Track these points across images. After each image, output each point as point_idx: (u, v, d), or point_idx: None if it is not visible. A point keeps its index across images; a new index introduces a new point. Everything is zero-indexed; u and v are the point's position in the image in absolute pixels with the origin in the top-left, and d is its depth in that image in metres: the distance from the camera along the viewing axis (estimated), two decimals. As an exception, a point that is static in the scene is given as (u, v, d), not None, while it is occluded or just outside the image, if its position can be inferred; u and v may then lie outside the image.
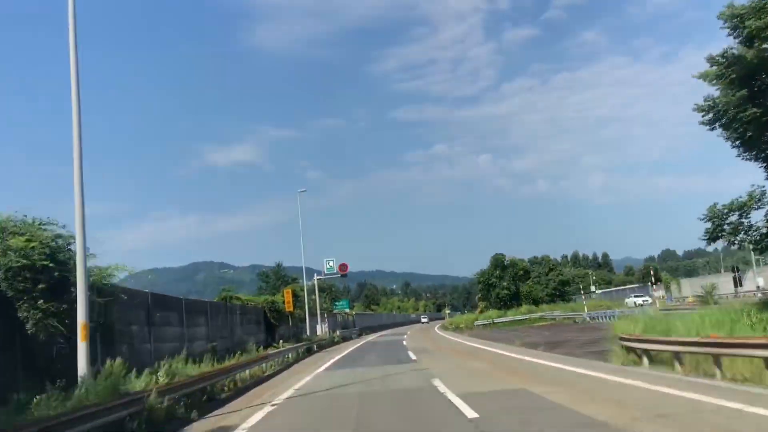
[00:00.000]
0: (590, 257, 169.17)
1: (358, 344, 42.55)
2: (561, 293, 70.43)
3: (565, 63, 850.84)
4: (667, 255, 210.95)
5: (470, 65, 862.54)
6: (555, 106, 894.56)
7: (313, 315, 47.96)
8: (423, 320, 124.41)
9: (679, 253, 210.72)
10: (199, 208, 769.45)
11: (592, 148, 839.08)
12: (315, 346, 35.09)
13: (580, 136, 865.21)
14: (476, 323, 58.92)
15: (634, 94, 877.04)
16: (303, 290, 42.96)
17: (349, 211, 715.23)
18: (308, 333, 41.86)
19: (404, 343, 38.25)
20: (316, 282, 47.89)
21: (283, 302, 34.88)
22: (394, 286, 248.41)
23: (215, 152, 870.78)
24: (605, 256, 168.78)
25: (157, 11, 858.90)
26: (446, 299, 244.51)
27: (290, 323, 38.36)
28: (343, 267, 48.18)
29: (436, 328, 68.50)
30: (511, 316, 57.70)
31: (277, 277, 49.60)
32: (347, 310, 68.10)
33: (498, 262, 70.21)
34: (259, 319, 32.53)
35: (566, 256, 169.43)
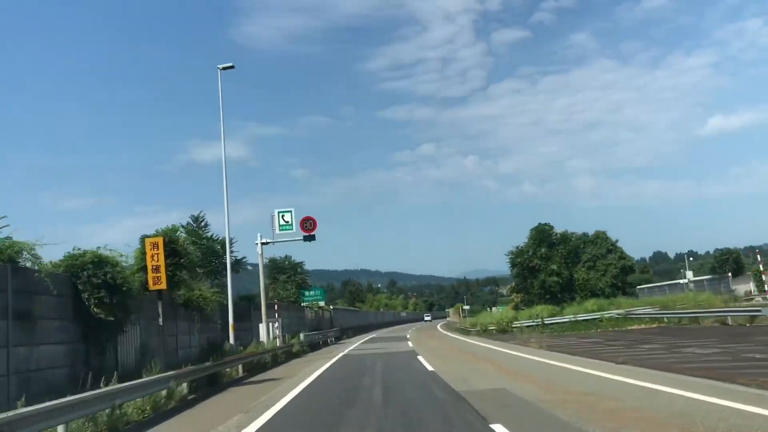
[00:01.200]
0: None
1: (329, 362, 21.98)
2: (623, 284, 50.41)
3: (553, 66, 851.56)
4: (659, 257, 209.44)
5: (459, 66, 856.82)
6: (543, 109, 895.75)
7: (258, 307, 27.67)
8: (426, 318, 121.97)
9: (671, 255, 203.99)
10: (184, 203, 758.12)
11: (580, 152, 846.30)
12: (231, 371, 14.91)
13: (567, 139, 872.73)
14: (515, 324, 38.63)
15: (622, 99, 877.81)
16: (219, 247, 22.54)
17: (334, 210, 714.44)
18: (232, 341, 21.13)
19: (424, 364, 17.69)
20: (260, 245, 27.05)
21: (141, 268, 14.35)
22: (379, 285, 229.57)
23: (200, 148, 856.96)
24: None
25: (142, 4, 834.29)
26: (433, 299, 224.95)
27: (180, 320, 17.79)
28: (308, 223, 27.50)
29: (452, 334, 48.76)
30: (570, 314, 37.41)
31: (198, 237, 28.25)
32: (322, 304, 47.37)
33: (543, 236, 49.97)
34: (64, 312, 11.97)
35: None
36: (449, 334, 48.26)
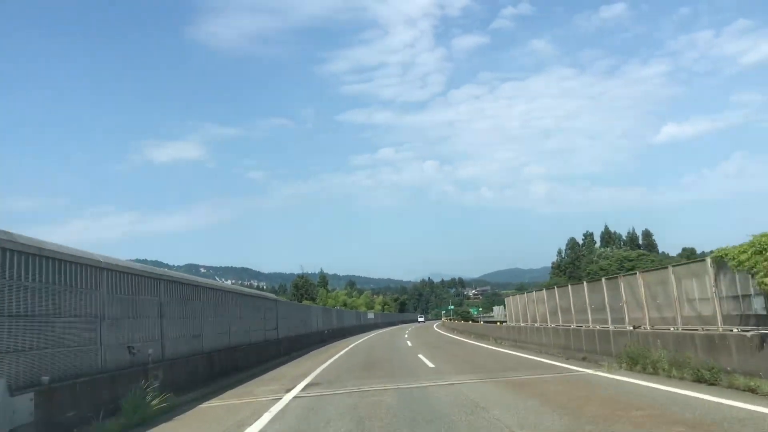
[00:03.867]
0: (625, 235, 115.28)
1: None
2: None
3: (512, 72, 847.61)
4: None
5: (419, 70, 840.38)
6: (501, 115, 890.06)
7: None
8: (420, 320, 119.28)
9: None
10: (137, 205, 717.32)
11: (537, 158, 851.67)
12: None
13: (525, 145, 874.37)
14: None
15: (578, 106, 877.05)
16: None
17: (292, 213, 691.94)
18: None
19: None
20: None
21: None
22: (337, 288, 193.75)
23: (156, 148, 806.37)
24: (648, 234, 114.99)
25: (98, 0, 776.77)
26: (405, 296, 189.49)
27: None
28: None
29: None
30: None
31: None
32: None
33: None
34: None
35: (591, 234, 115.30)
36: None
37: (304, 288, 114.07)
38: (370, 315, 77.42)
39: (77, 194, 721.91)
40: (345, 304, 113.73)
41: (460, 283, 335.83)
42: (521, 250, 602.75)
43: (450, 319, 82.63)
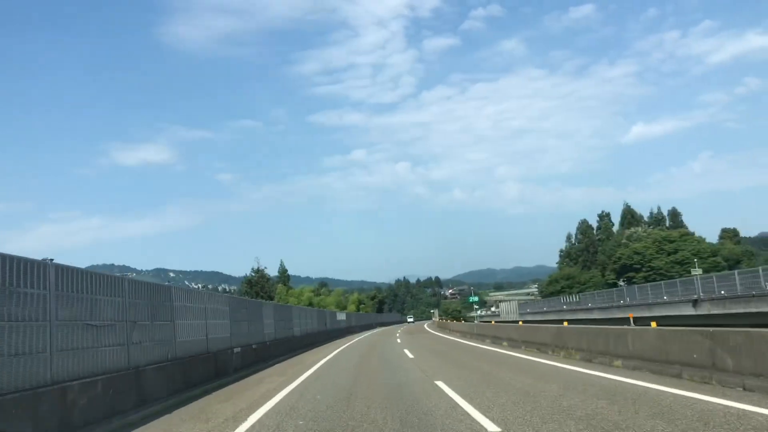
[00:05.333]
0: (652, 214, 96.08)
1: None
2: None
3: (483, 73, 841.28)
4: None
5: (391, 72, 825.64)
6: (472, 116, 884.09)
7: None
8: (409, 320, 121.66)
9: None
10: (104, 209, 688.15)
11: (508, 159, 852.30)
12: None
13: (496, 146, 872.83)
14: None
15: (548, 106, 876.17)
16: None
17: (264, 216, 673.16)
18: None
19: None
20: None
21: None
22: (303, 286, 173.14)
23: (123, 151, 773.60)
24: (675, 213, 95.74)
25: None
26: (383, 295, 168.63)
27: None
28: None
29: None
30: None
31: None
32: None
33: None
34: None
35: (608, 214, 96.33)
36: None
37: (260, 285, 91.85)
38: (341, 316, 56.21)
39: (41, 198, 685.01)
40: (311, 304, 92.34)
41: (437, 283, 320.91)
42: (494, 250, 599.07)
43: (444, 320, 71.23)
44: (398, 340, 33.41)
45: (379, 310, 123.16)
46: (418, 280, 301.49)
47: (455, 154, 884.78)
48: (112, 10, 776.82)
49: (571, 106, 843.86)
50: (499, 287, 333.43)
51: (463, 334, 35.15)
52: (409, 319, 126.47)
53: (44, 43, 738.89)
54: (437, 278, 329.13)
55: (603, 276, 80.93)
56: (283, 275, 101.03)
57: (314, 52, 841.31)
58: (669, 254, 71.76)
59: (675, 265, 70.97)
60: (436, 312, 76.25)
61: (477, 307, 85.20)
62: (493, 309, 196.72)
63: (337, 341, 40.37)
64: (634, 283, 70.03)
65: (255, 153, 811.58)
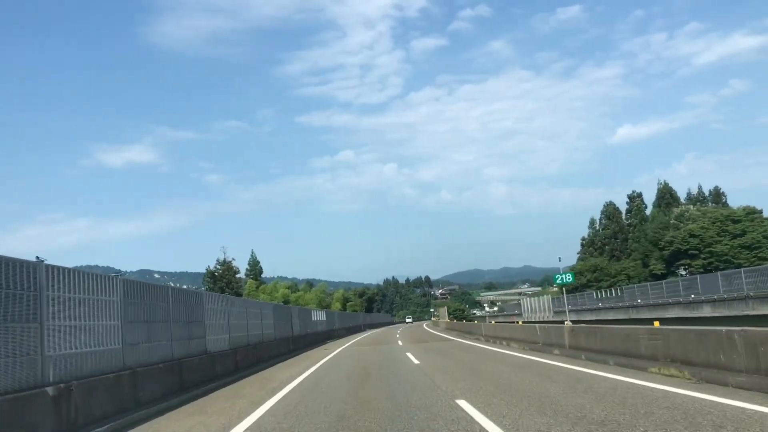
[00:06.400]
0: (690, 194, 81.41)
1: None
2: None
3: (471, 75, 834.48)
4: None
5: (378, 72, 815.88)
6: (460, 117, 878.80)
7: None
8: (408, 320, 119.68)
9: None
10: (89, 210, 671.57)
11: (496, 160, 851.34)
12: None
13: (484, 147, 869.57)
14: None
15: (536, 108, 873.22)
16: None
17: (251, 216, 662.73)
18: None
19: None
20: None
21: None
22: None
23: (108, 152, 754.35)
24: (718, 192, 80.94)
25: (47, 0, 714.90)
26: (372, 292, 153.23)
27: None
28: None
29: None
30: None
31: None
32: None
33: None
34: None
35: (639, 194, 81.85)
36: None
37: (225, 279, 76.03)
38: (318, 315, 40.49)
39: (27, 200, 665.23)
40: (286, 301, 76.65)
41: (427, 283, 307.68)
42: (481, 251, 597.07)
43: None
44: (412, 359, 18.16)
45: (369, 310, 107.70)
46: (408, 280, 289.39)
47: (443, 155, 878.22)
48: (98, 10, 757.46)
49: (559, 108, 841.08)
50: (489, 287, 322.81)
51: (521, 344, 20.07)
52: (407, 320, 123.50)
53: (29, 43, 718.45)
54: (427, 278, 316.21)
55: (646, 266, 66.14)
56: (255, 268, 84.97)
57: (302, 53, 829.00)
58: (734, 237, 57.01)
59: (743, 250, 56.28)
60: (444, 311, 61.43)
61: (490, 306, 70.24)
62: (487, 309, 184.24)
63: (309, 353, 25.09)
64: (691, 272, 55.40)
65: (242, 154, 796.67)
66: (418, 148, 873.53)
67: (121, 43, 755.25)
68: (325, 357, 22.03)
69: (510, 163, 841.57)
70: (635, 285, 51.71)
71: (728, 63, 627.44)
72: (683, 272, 50.72)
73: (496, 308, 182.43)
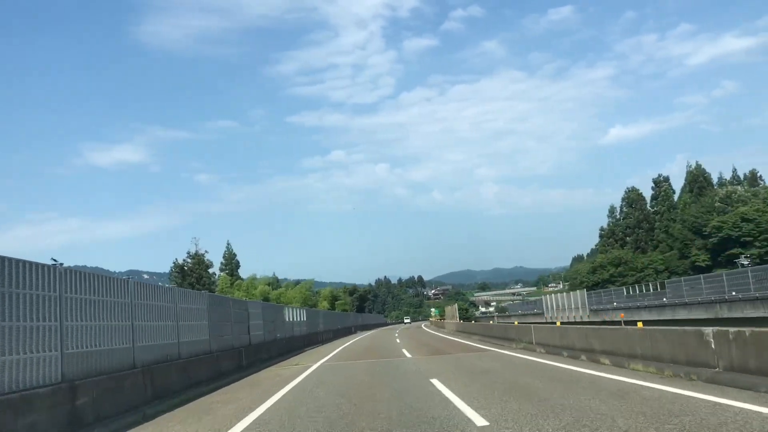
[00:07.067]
0: (721, 178, 72.46)
1: None
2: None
3: (463, 75, 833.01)
4: (596, 253, 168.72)
5: (370, 72, 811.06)
6: (452, 117, 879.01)
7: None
8: (406, 321, 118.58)
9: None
10: (78, 210, 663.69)
11: (487, 160, 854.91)
12: None
13: (475, 147, 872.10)
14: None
15: (528, 108, 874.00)
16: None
17: (243, 217, 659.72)
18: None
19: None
20: None
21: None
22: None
23: (99, 152, 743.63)
24: (755, 175, 71.91)
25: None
26: (363, 290, 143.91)
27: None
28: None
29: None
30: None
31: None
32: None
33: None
34: None
35: (666, 179, 73.30)
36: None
37: (196, 273, 66.05)
38: (295, 314, 30.70)
39: (15, 199, 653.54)
40: (266, 298, 66.81)
41: (420, 283, 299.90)
42: (473, 252, 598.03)
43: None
44: (457, 402, 8.45)
45: (360, 309, 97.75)
46: (400, 280, 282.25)
47: (435, 156, 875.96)
48: (88, 9, 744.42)
49: (551, 109, 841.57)
50: (483, 287, 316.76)
51: (638, 362, 10.60)
52: (405, 320, 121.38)
53: (17, 42, 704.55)
54: (420, 278, 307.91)
55: (685, 257, 56.91)
56: (230, 262, 74.77)
57: (294, 53, 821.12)
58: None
59: (806, 236, 47.16)
60: (454, 310, 51.96)
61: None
62: (482, 309, 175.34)
63: (266, 373, 15.53)
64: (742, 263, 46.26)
65: (234, 154, 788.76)
66: (409, 148, 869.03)
67: (112, 42, 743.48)
68: (285, 386, 12.42)
69: (502, 164, 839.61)
70: (683, 278, 42.47)
71: (719, 64, 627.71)
72: (745, 262, 41.50)
73: (492, 308, 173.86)
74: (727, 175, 73.27)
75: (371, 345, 29.72)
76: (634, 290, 46.64)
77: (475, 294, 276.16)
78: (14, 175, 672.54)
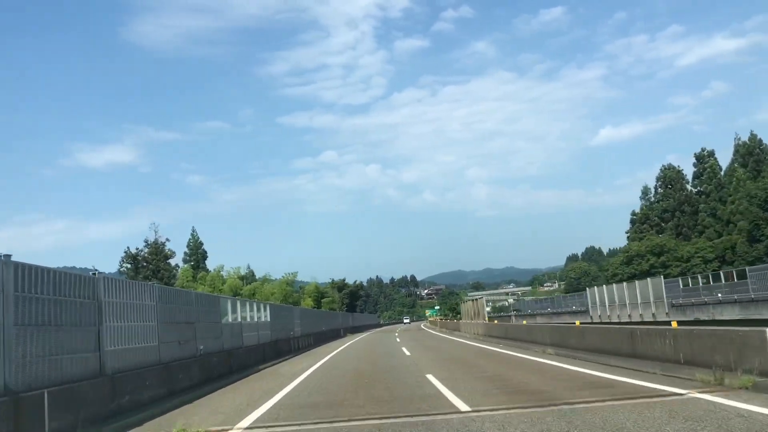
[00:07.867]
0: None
1: None
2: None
3: (453, 76, 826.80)
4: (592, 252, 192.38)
5: (361, 73, 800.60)
6: (443, 118, 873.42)
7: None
8: (405, 321, 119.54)
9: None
10: (67, 211, 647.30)
11: (478, 161, 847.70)
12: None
13: (466, 148, 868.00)
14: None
15: (519, 109, 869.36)
16: None
17: (234, 218, 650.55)
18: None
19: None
20: None
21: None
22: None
23: (87, 152, 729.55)
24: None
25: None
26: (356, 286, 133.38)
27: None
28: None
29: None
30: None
31: None
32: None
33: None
34: None
35: (711, 153, 62.65)
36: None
37: (153, 264, 54.44)
38: (254, 311, 19.65)
39: (2, 201, 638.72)
40: (238, 293, 55.24)
41: (413, 282, 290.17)
42: (464, 252, 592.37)
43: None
44: None
45: (351, 308, 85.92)
46: (392, 280, 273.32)
47: (426, 156, 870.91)
48: (77, 7, 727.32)
49: (541, 109, 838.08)
50: (476, 287, 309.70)
51: None
52: (405, 320, 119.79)
53: (6, 41, 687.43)
54: (413, 277, 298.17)
55: (757, 241, 46.18)
56: (196, 253, 62.88)
57: (285, 53, 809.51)
58: None
59: None
60: (481, 306, 41.15)
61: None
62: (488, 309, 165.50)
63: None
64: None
65: (224, 154, 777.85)
66: (401, 149, 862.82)
67: (101, 41, 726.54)
68: None
69: (493, 165, 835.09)
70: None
71: (709, 65, 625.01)
72: None
73: (489, 308, 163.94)
74: None
75: (369, 357, 18.44)
76: (686, 282, 36.08)
77: (469, 294, 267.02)
78: (1, 177, 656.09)
